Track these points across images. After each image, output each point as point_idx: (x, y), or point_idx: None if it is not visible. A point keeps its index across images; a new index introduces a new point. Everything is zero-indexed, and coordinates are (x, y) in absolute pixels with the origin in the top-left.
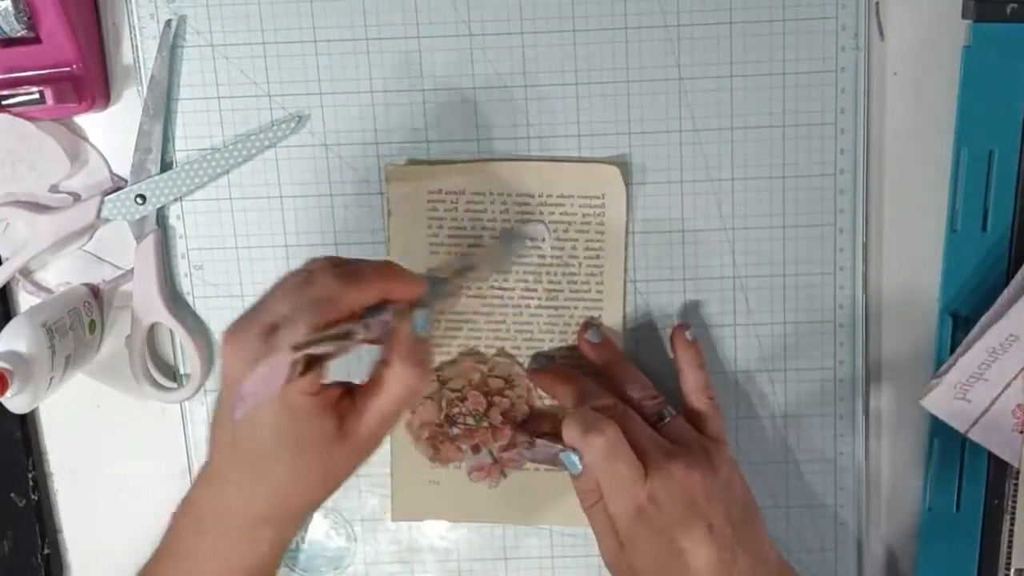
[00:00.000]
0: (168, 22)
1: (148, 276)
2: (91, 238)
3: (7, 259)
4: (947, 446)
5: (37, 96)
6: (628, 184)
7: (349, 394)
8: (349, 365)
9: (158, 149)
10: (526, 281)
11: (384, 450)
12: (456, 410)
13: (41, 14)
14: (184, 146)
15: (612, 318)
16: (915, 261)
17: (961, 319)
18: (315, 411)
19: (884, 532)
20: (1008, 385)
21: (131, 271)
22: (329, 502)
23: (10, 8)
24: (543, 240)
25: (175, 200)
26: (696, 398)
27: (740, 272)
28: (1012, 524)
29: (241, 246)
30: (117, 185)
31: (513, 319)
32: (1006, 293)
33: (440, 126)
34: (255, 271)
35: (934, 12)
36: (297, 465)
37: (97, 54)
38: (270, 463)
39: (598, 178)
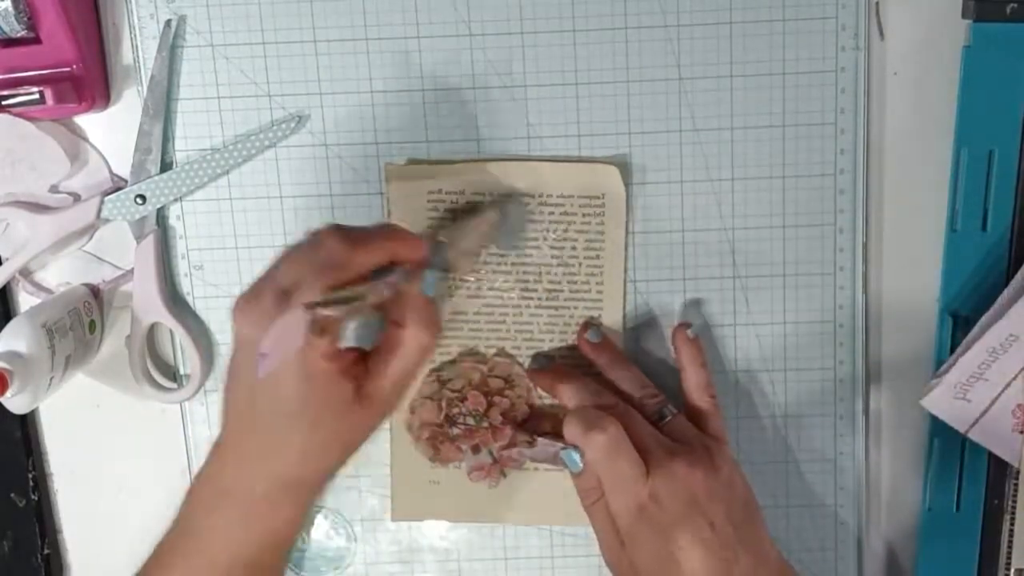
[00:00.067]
0: (168, 22)
1: (148, 276)
2: (91, 238)
3: (7, 259)
4: (947, 446)
5: (37, 96)
6: (628, 184)
7: (363, 359)
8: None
9: (158, 149)
10: (526, 281)
11: (384, 450)
12: (456, 410)
13: (41, 14)
14: (184, 146)
15: (612, 318)
16: (915, 261)
17: (961, 319)
18: (333, 375)
19: (884, 532)
20: (1008, 385)
21: (131, 271)
22: (329, 502)
23: (10, 8)
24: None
25: (175, 200)
26: (697, 396)
27: (740, 272)
28: (1012, 524)
29: (241, 246)
30: (117, 185)
31: (513, 319)
32: (1006, 293)
33: (440, 126)
34: (255, 271)
35: (934, 12)
36: (315, 431)
37: (97, 54)
38: (289, 429)
39: (598, 178)
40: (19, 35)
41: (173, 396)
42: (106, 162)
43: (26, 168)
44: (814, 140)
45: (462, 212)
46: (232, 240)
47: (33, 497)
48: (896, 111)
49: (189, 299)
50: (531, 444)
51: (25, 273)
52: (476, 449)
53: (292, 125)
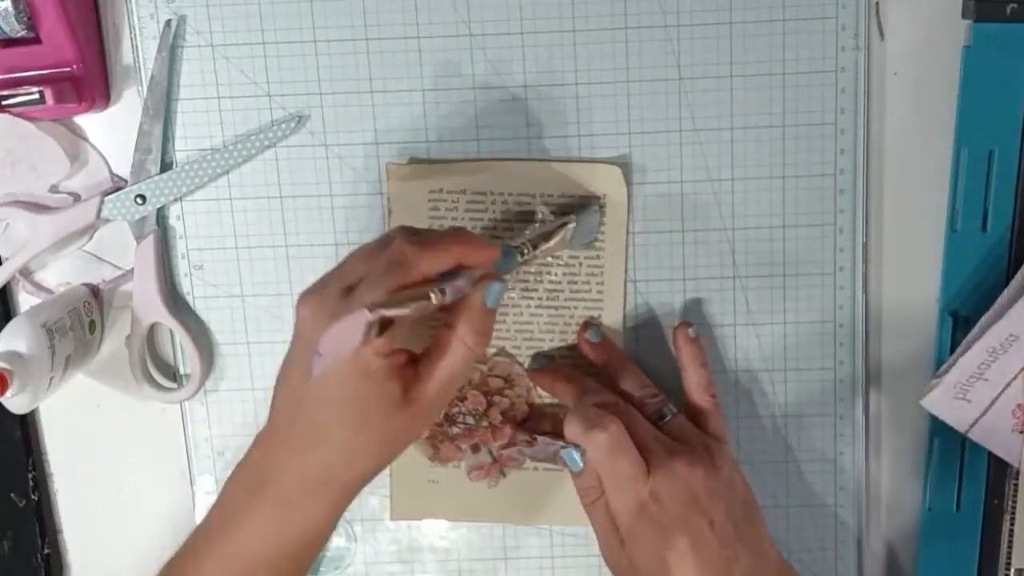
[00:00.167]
0: (168, 22)
1: (148, 276)
2: (91, 238)
3: (7, 259)
4: (947, 446)
5: (37, 96)
6: (628, 184)
7: (412, 361)
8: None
9: (158, 149)
10: (526, 281)
11: None
12: (456, 409)
13: (41, 14)
14: (184, 146)
15: (612, 318)
16: (915, 261)
17: (961, 319)
18: (385, 374)
19: (884, 532)
20: (1008, 385)
21: (131, 271)
22: None
23: (10, 8)
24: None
25: (175, 200)
26: (698, 396)
27: (740, 272)
28: (1012, 524)
29: (241, 246)
30: (117, 185)
31: (513, 319)
32: (1006, 293)
33: (440, 126)
34: (255, 271)
35: (934, 12)
36: (361, 430)
37: (97, 54)
38: (335, 424)
39: (598, 178)
40: (19, 35)
41: (173, 396)
42: (106, 162)
43: (26, 168)
44: (814, 140)
45: (524, 215)
46: (232, 240)
47: (33, 497)
48: (896, 111)
49: (189, 299)
50: (531, 443)
51: (25, 273)
52: (476, 448)
53: (292, 125)
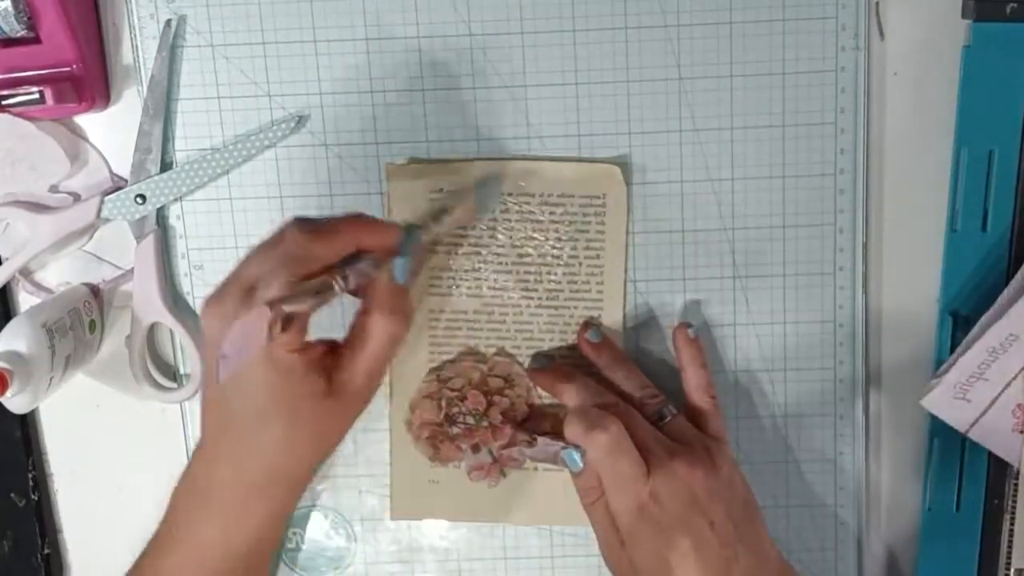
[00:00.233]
0: (168, 22)
1: (148, 276)
2: (91, 238)
3: (7, 259)
4: (947, 446)
5: (37, 96)
6: (628, 184)
7: (333, 351)
8: (332, 324)
9: (158, 149)
10: (526, 281)
11: (384, 449)
12: (456, 409)
13: (41, 14)
14: (184, 146)
15: (612, 318)
16: (915, 261)
17: (961, 319)
18: (302, 368)
19: (884, 532)
20: (1008, 385)
21: (131, 271)
22: (329, 502)
23: (10, 8)
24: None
25: (175, 200)
26: (698, 396)
27: (740, 272)
28: (1012, 524)
29: (241, 246)
30: (117, 185)
31: (513, 319)
32: (1006, 293)
33: (440, 126)
34: None
35: (934, 12)
36: (290, 426)
37: (97, 54)
38: (264, 426)
39: (598, 178)
40: (19, 35)
41: (173, 396)
42: (106, 162)
43: (26, 168)
44: (814, 140)
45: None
46: (232, 240)
47: (33, 497)
48: (896, 111)
49: (189, 299)
50: (531, 443)
51: (25, 273)
52: (476, 448)
53: (292, 125)
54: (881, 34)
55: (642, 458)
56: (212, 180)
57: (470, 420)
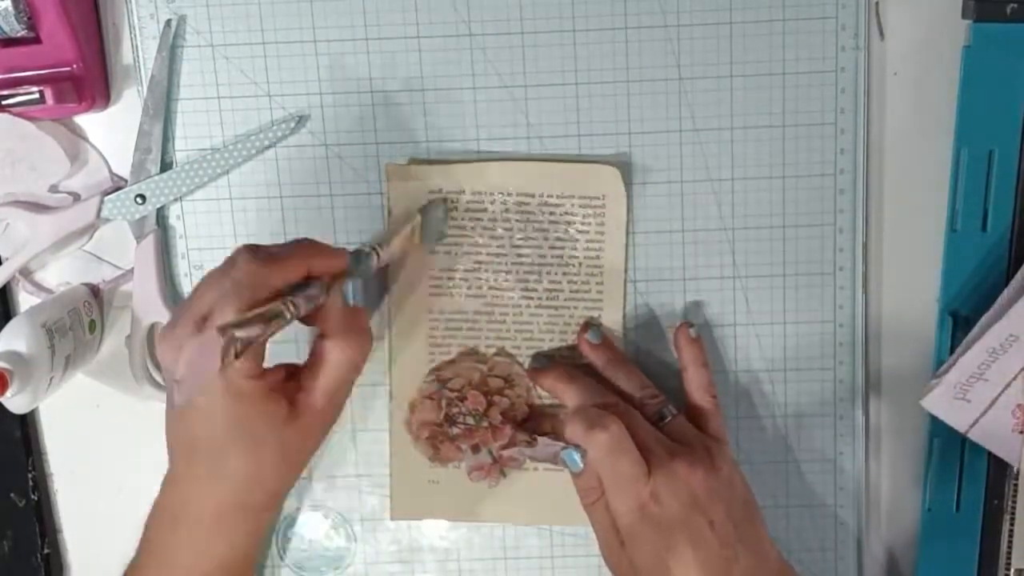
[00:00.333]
0: (168, 22)
1: (148, 276)
2: (91, 238)
3: (7, 259)
4: (947, 446)
5: (37, 96)
6: (628, 184)
7: (294, 375)
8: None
9: (158, 149)
10: (526, 281)
11: (384, 450)
12: (456, 410)
13: (41, 14)
14: (184, 146)
15: (612, 318)
16: (915, 261)
17: (961, 319)
18: (261, 394)
19: (884, 532)
20: (1008, 385)
21: (131, 271)
22: (329, 502)
23: (10, 8)
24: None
25: (175, 200)
26: (699, 396)
27: (740, 272)
28: (1012, 524)
29: None
30: (117, 185)
31: (513, 319)
32: (1006, 293)
33: (440, 126)
34: None
35: (934, 12)
36: (255, 451)
37: (97, 54)
38: (225, 453)
39: (598, 178)
40: (19, 35)
41: None
42: (106, 162)
43: (26, 168)
44: (814, 140)
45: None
46: (232, 240)
47: (33, 497)
48: (896, 111)
49: None
50: (531, 444)
51: (25, 273)
52: (476, 449)
53: (292, 125)
54: (881, 34)
55: (642, 458)
56: (212, 180)
57: (470, 420)
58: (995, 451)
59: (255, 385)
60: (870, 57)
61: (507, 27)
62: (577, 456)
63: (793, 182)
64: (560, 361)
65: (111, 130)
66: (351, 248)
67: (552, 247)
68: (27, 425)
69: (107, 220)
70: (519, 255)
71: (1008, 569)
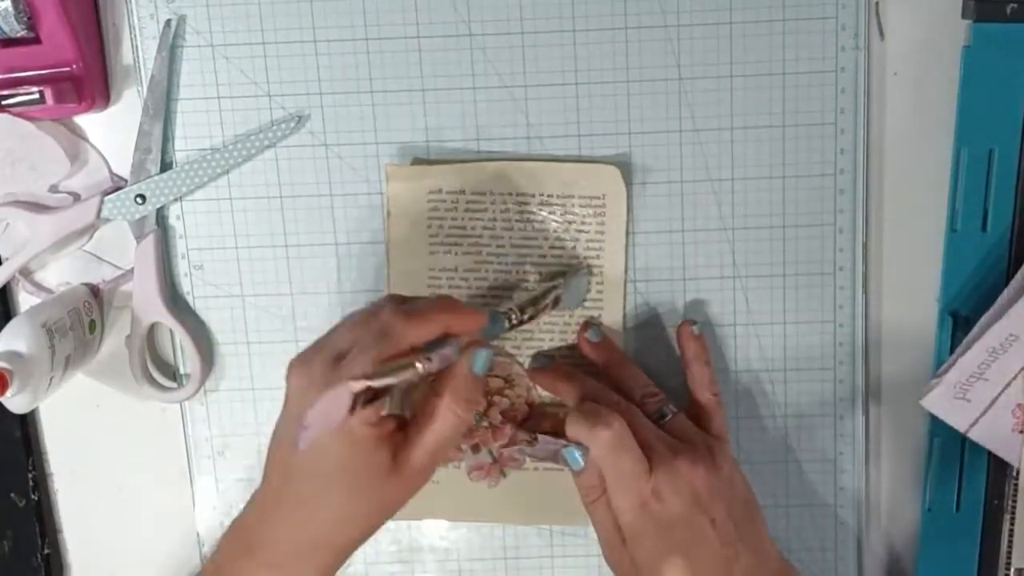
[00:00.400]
0: (168, 22)
1: (148, 276)
2: (91, 238)
3: (7, 259)
4: (947, 446)
5: (37, 96)
6: (628, 184)
7: (401, 427)
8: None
9: (158, 149)
10: (526, 281)
11: None
12: None
13: (41, 14)
14: (184, 146)
15: (612, 318)
16: (915, 261)
17: (961, 319)
18: (374, 442)
19: (884, 532)
20: (1008, 385)
21: (131, 271)
22: None
23: (10, 8)
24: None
25: (175, 200)
26: (701, 394)
27: (740, 272)
28: (1012, 524)
29: (241, 246)
30: (117, 185)
31: None
32: (1006, 293)
33: (440, 126)
34: (255, 271)
35: (934, 12)
36: (351, 496)
37: (97, 54)
38: (326, 493)
39: (598, 178)
40: (19, 35)
41: (173, 396)
42: (106, 162)
43: (26, 168)
44: (814, 140)
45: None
46: (232, 240)
47: (33, 497)
48: (896, 111)
49: (189, 299)
50: (531, 443)
51: (25, 273)
52: (476, 448)
53: (292, 125)
54: (881, 34)
55: (644, 456)
56: (212, 180)
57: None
58: (995, 451)
59: (370, 432)
60: (870, 57)
61: (507, 27)
62: (578, 454)
63: (793, 182)
64: (560, 361)
65: (111, 130)
66: (490, 311)
67: (552, 247)
68: (27, 425)
69: (107, 220)
70: (519, 255)
71: (1008, 569)
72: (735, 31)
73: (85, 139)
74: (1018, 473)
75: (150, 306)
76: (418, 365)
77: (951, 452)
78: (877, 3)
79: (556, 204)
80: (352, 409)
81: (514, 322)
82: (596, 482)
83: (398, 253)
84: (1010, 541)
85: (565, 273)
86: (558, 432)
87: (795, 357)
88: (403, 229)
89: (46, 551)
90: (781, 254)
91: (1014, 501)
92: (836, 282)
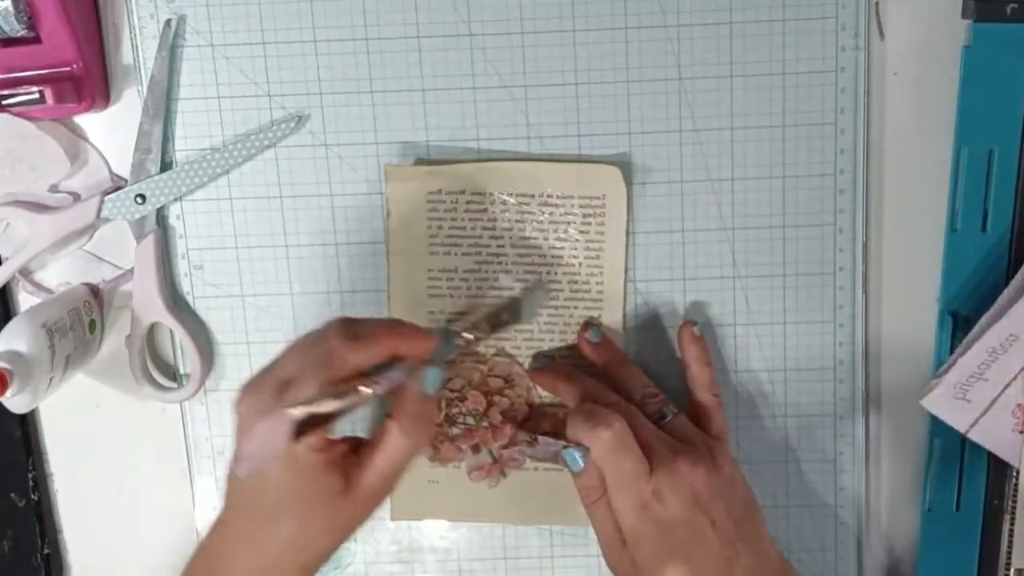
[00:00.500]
0: (168, 22)
1: (148, 276)
2: (91, 238)
3: (7, 259)
4: (947, 446)
5: (37, 96)
6: (628, 184)
7: (355, 449)
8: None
9: (158, 149)
10: (526, 282)
11: None
12: (456, 410)
13: (41, 14)
14: (184, 146)
15: (612, 318)
16: (915, 261)
17: (961, 319)
18: (321, 467)
19: (884, 532)
20: (1008, 385)
21: (131, 271)
22: None
23: (10, 8)
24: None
25: (175, 200)
26: (702, 394)
27: (740, 272)
28: (1012, 524)
29: (241, 246)
30: (117, 185)
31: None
32: (1006, 293)
33: (440, 126)
34: (255, 271)
35: (934, 12)
36: (301, 521)
37: (97, 54)
38: (277, 518)
39: (598, 178)
40: (19, 35)
41: (173, 396)
42: (106, 162)
43: (26, 168)
44: (814, 140)
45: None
46: (232, 240)
47: (33, 497)
48: (896, 111)
49: (189, 299)
50: (531, 443)
51: (25, 273)
52: (476, 449)
53: (292, 125)
54: (881, 34)
55: (644, 456)
56: (212, 180)
57: (470, 420)
58: (995, 451)
59: (318, 458)
60: (870, 57)
61: (507, 27)
62: (578, 455)
63: (793, 182)
64: (560, 361)
65: (111, 130)
66: (439, 329)
67: (552, 247)
68: (27, 425)
69: (107, 220)
70: (519, 255)
71: (1008, 569)
72: (735, 31)
73: (85, 139)
74: (1018, 473)
75: (150, 306)
76: (362, 389)
77: (951, 452)
78: (877, 3)
79: (556, 204)
80: (299, 435)
81: (469, 339)
82: (596, 483)
83: (398, 253)
84: (1010, 541)
85: (525, 287)
86: (558, 432)
87: (795, 357)
88: (403, 229)
89: (46, 551)
90: (781, 254)
91: (1014, 501)
92: (836, 282)
